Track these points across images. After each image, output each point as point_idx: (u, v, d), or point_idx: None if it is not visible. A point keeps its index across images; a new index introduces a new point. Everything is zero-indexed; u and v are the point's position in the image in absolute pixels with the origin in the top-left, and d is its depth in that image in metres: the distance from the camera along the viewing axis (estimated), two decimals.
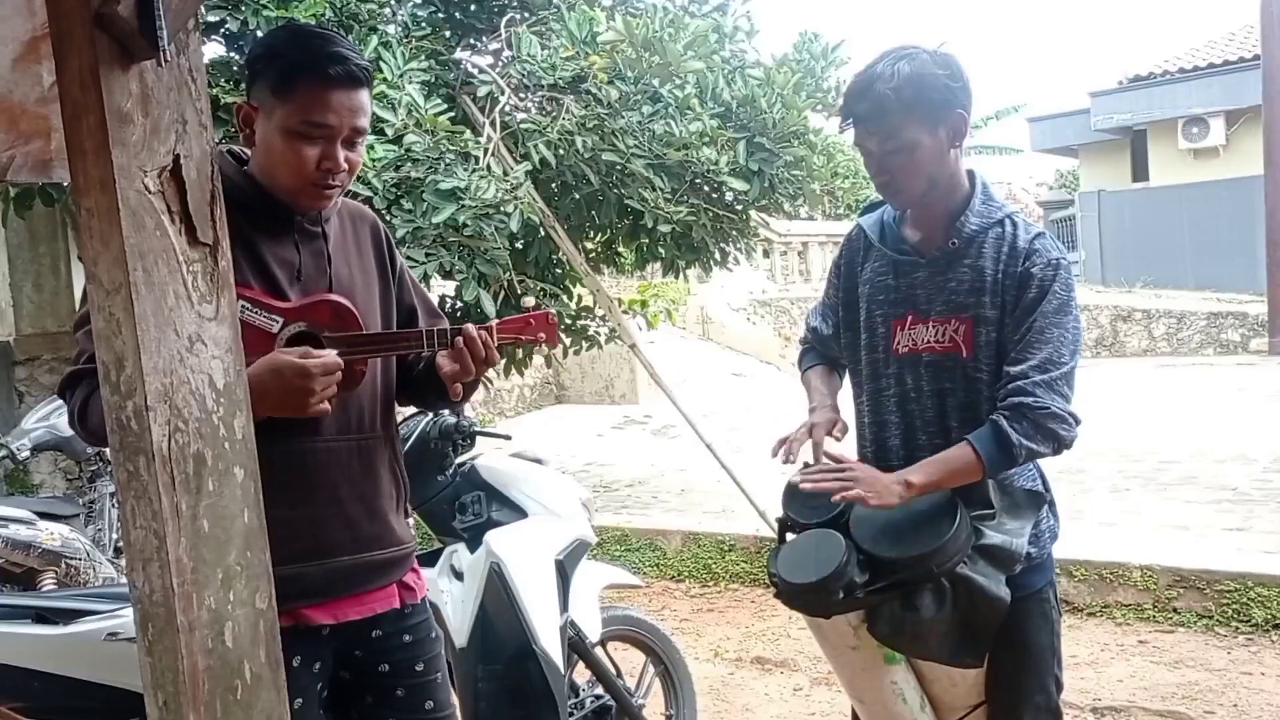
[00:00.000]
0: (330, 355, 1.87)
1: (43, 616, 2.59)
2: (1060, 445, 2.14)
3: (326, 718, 2.16)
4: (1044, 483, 2.32)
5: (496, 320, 2.10)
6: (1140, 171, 20.07)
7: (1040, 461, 2.32)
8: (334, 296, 2.00)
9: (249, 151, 2.02)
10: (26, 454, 4.37)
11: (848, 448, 2.40)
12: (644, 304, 8.27)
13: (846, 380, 2.55)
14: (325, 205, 2.02)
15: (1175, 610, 4.81)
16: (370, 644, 2.12)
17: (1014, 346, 2.17)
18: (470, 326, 2.02)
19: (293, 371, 1.83)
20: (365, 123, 1.98)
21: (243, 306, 1.87)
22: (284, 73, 1.92)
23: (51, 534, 3.87)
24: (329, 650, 2.08)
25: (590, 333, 7.13)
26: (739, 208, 6.72)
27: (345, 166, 1.96)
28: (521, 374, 7.93)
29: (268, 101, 1.94)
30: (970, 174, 2.29)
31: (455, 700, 2.26)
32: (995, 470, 2.15)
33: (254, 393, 1.80)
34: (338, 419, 2.01)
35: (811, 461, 2.33)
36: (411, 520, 2.28)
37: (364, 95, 1.96)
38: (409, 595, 2.18)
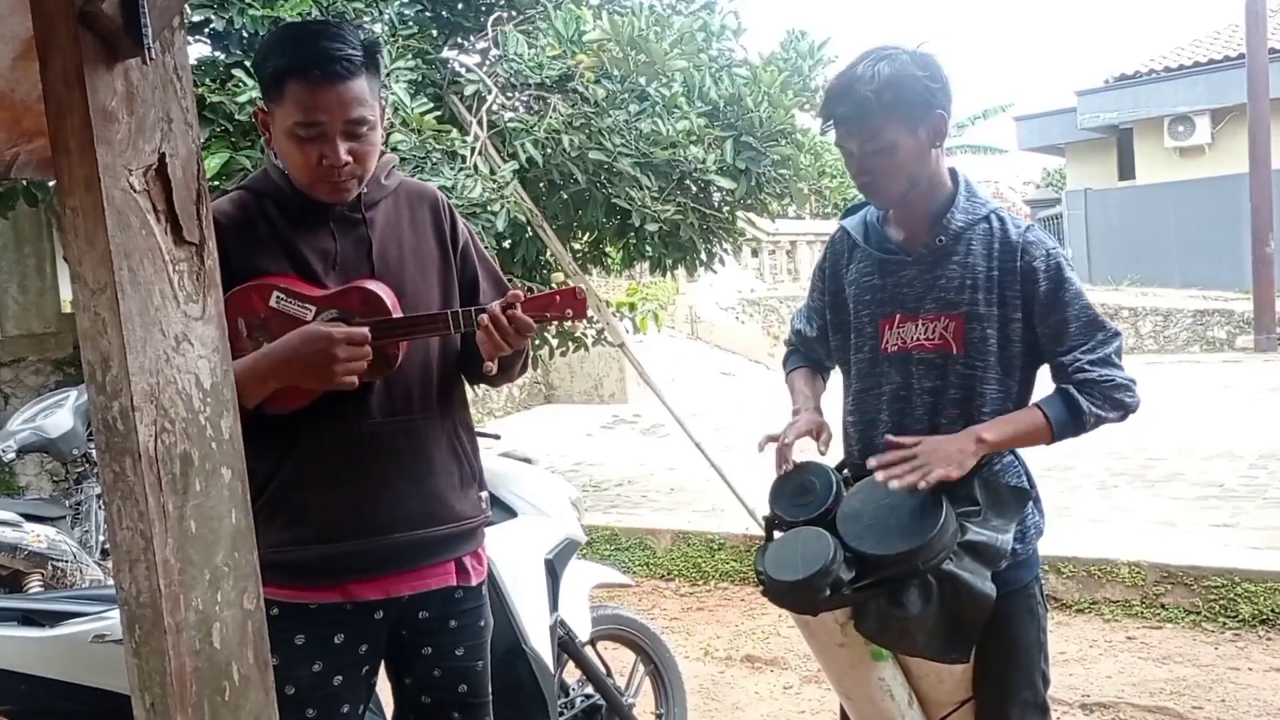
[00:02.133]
0: (360, 330, 1.92)
1: (29, 619, 2.57)
2: (1127, 412, 2.21)
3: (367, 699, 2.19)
4: (1029, 479, 2.33)
5: (522, 299, 2.08)
6: (1127, 170, 20.12)
7: (1026, 458, 2.34)
8: (366, 283, 2.03)
9: None
10: (12, 455, 4.35)
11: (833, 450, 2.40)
12: (632, 306, 8.25)
13: (833, 381, 2.55)
14: (344, 197, 2.05)
15: (1163, 606, 4.83)
16: (416, 625, 2.16)
17: (1053, 340, 2.22)
18: (494, 307, 2.03)
19: (318, 337, 1.90)
20: (362, 112, 1.98)
21: (278, 297, 1.96)
22: (272, 78, 1.96)
23: (38, 536, 3.86)
24: (382, 632, 2.12)
25: (577, 335, 7.13)
26: (725, 209, 6.72)
27: (348, 159, 1.98)
28: None
29: (269, 106, 2.00)
30: (952, 172, 2.30)
31: (490, 692, 2.28)
32: (1062, 435, 2.21)
33: (282, 359, 1.90)
34: (383, 401, 2.07)
35: (797, 459, 2.33)
36: (485, 495, 2.29)
37: (357, 85, 1.96)
38: (464, 578, 2.20)
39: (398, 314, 2.03)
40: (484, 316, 2.02)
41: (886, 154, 2.16)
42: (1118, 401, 2.19)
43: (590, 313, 6.88)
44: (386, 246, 2.11)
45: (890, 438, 2.22)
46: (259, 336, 1.96)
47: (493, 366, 2.11)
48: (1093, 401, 2.17)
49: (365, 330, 1.93)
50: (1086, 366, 2.18)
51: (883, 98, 2.12)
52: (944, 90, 2.19)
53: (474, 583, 2.23)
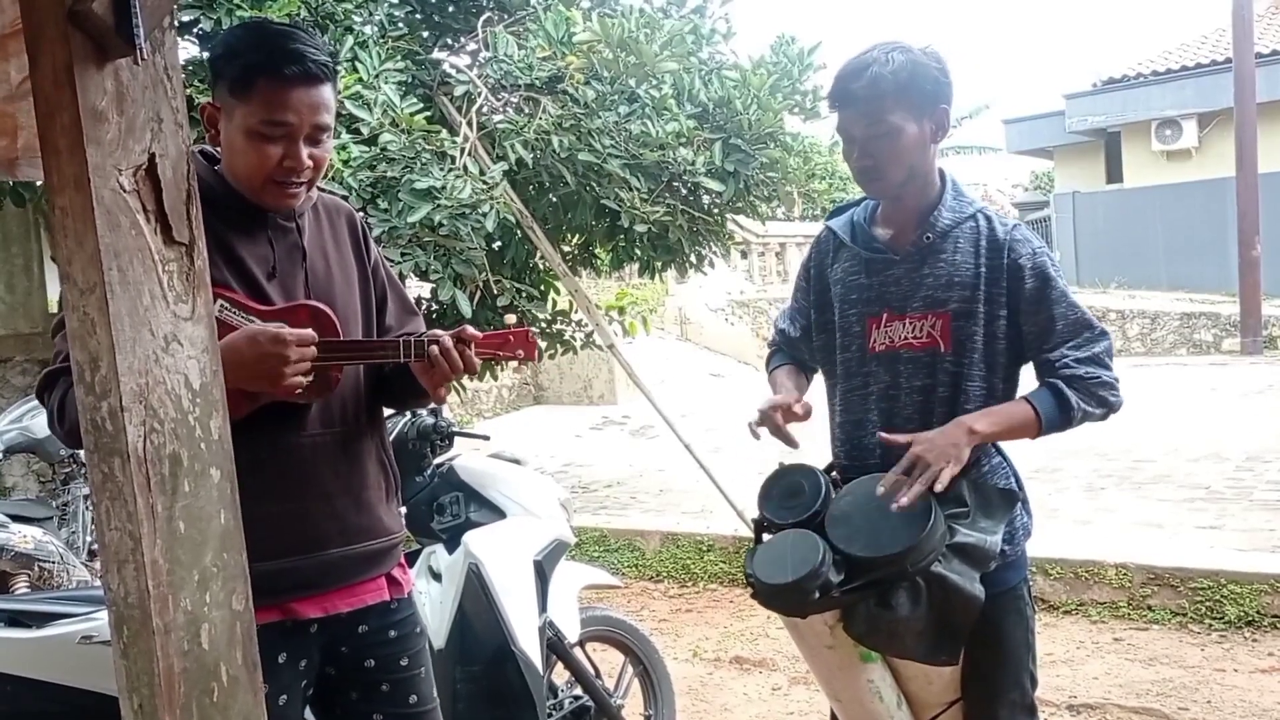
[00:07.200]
0: (307, 331, 1.88)
1: (16, 620, 2.57)
2: (1110, 410, 2.23)
3: (311, 714, 2.17)
4: (1017, 480, 2.33)
5: (478, 337, 2.07)
6: (1114, 173, 20.19)
7: (1014, 459, 2.35)
8: (314, 302, 2.00)
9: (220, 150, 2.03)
10: None
11: (817, 442, 2.40)
12: (621, 310, 8.23)
13: (816, 381, 2.55)
14: (291, 204, 2.01)
15: (1149, 608, 4.86)
16: (357, 639, 2.13)
17: (1040, 337, 2.23)
18: (446, 340, 2.00)
19: (268, 338, 1.84)
20: (328, 119, 1.97)
21: (221, 306, 1.88)
22: (242, 73, 1.91)
23: (24, 537, 3.84)
24: (316, 647, 2.09)
25: (566, 338, 7.12)
26: (715, 212, 6.72)
27: (309, 164, 1.95)
28: (495, 377, 7.89)
29: (228, 101, 1.94)
30: (941, 172, 2.32)
31: (437, 695, 2.27)
32: (1049, 429, 2.21)
33: (229, 360, 1.76)
34: (321, 413, 2.03)
35: (786, 461, 2.33)
36: (403, 510, 2.29)
37: (325, 91, 1.95)
38: (396, 590, 2.19)
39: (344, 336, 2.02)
40: (434, 348, 1.99)
41: (891, 138, 2.18)
42: (1102, 399, 2.20)
43: (579, 317, 6.88)
44: (315, 257, 2.08)
45: (883, 434, 2.22)
46: None
47: (444, 395, 2.10)
48: (1080, 397, 2.18)
49: (311, 332, 1.89)
50: (1073, 364, 2.19)
51: (898, 78, 2.15)
52: (950, 87, 2.23)
53: (405, 593, 2.22)
